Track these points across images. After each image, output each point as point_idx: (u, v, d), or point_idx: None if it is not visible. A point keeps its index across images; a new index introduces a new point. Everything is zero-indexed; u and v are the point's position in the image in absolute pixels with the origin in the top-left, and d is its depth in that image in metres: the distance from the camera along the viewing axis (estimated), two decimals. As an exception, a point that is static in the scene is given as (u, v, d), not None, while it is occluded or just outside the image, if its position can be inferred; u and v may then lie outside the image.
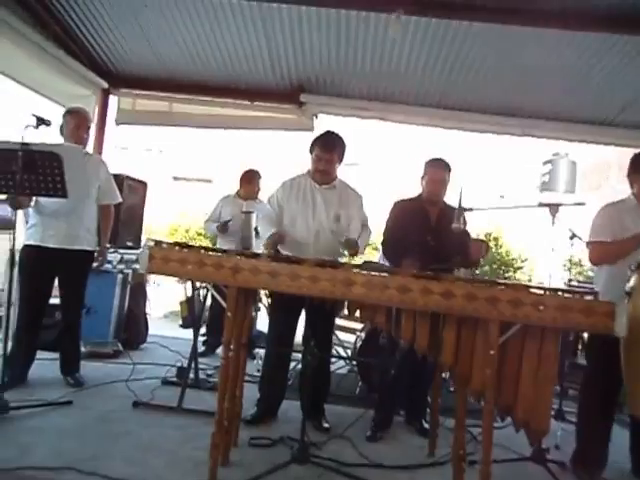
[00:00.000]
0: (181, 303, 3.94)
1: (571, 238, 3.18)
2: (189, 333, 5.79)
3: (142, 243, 4.76)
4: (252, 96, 4.94)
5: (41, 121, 2.70)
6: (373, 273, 2.03)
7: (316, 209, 2.90)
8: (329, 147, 2.88)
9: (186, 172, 20.88)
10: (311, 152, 2.96)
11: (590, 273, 9.96)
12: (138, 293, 4.52)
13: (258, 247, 4.38)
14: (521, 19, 3.51)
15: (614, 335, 1.87)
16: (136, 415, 2.83)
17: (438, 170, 3.01)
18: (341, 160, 2.97)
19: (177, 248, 2.24)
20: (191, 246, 2.29)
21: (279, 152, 13.52)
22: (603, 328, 1.87)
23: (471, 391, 2.15)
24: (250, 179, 4.61)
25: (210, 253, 2.19)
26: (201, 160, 20.33)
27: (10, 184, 2.68)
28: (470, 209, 2.43)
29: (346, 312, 2.55)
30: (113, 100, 5.08)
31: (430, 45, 3.97)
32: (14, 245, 2.74)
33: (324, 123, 5.02)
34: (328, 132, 2.96)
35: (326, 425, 2.89)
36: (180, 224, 10.35)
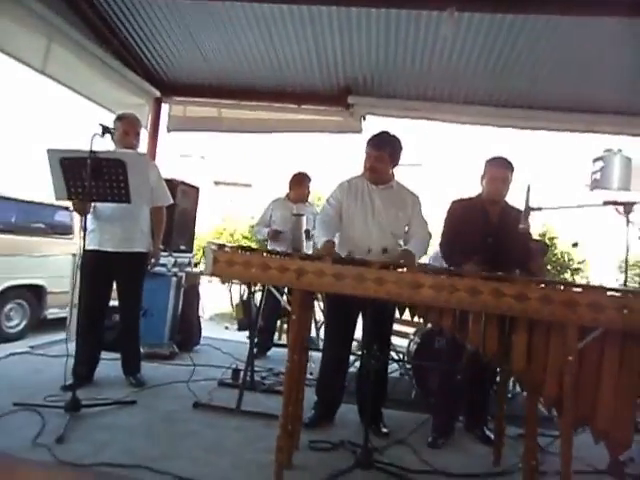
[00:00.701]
0: (237, 305, 3.99)
1: (641, 238, 3.00)
2: (239, 336, 5.91)
3: (194, 247, 4.86)
4: (299, 99, 4.97)
5: (106, 130, 2.80)
6: (441, 275, 1.98)
7: (375, 210, 2.87)
8: (378, 145, 2.85)
9: (226, 177, 21.28)
10: (365, 152, 2.94)
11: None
12: (191, 296, 4.61)
13: (308, 250, 4.40)
14: (580, 8, 3.37)
15: None
16: (197, 416, 2.88)
17: (500, 168, 2.92)
18: (394, 161, 2.92)
19: (240, 251, 2.26)
20: (254, 249, 2.31)
21: (319, 156, 13.59)
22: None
23: (544, 399, 2.06)
24: (300, 182, 4.63)
25: (274, 256, 2.19)
26: (241, 165, 20.69)
27: (79, 191, 2.80)
28: (539, 209, 2.33)
29: (408, 315, 2.49)
30: (165, 108, 5.23)
31: (483, 41, 3.87)
32: (84, 248, 2.84)
33: (372, 125, 4.99)
34: (382, 132, 2.93)
35: (385, 430, 2.85)
36: (225, 227, 10.54)
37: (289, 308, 2.25)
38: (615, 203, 2.32)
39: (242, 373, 3.27)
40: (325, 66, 4.55)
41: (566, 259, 7.75)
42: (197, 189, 4.86)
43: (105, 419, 2.65)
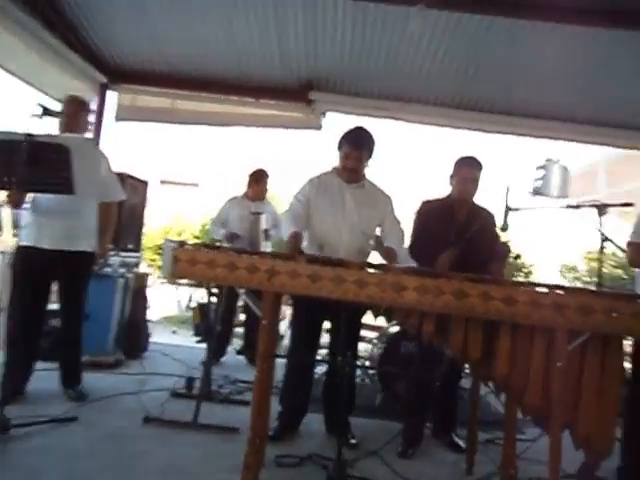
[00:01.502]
0: (194, 309, 3.70)
1: (603, 241, 3.04)
2: (188, 340, 5.58)
3: (142, 246, 4.52)
4: (258, 93, 4.76)
5: (47, 111, 2.48)
6: (426, 277, 1.86)
7: (346, 209, 2.72)
8: (359, 144, 2.71)
9: (172, 176, 20.57)
10: (339, 149, 2.78)
11: (586, 279, 10.01)
12: (139, 298, 4.27)
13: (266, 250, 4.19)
14: (545, 14, 3.39)
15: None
16: (149, 432, 2.59)
17: (471, 169, 2.86)
18: (370, 158, 2.80)
19: (204, 249, 2.04)
20: (218, 247, 2.09)
21: (271, 154, 13.31)
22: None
23: (525, 405, 1.98)
24: (258, 179, 4.43)
25: (243, 255, 1.99)
26: (187, 164, 20.06)
27: (13, 180, 2.45)
28: (517, 209, 2.27)
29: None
30: (113, 96, 4.84)
31: (449, 41, 3.84)
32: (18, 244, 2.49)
33: (332, 122, 4.88)
34: (358, 128, 2.79)
35: (353, 441, 2.70)
36: (172, 227, 10.06)
37: (257, 312, 2.06)
38: (595, 206, 2.30)
39: (199, 382, 3.01)
40: (287, 60, 4.37)
41: (518, 262, 8.02)
42: (146, 184, 4.53)
43: (39, 440, 2.30)
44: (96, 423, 2.60)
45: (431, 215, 2.93)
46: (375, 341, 3.75)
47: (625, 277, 7.99)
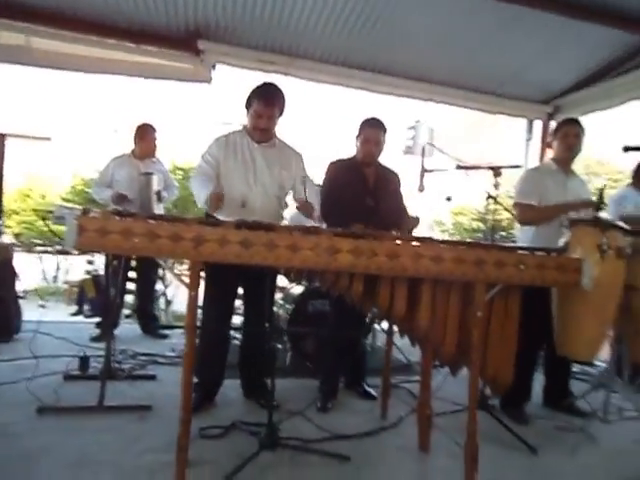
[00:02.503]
0: (85, 281, 3.28)
1: (487, 199, 3.36)
2: (63, 314, 5.04)
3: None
4: (137, 38, 4.22)
5: None
6: (360, 239, 1.87)
7: (257, 170, 2.59)
8: (272, 102, 2.56)
9: (15, 128, 17.79)
10: (248, 107, 2.61)
11: (452, 232, 11.19)
12: (4, 272, 3.68)
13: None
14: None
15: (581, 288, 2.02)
16: (47, 424, 2.29)
17: (374, 130, 2.92)
18: (281, 116, 2.69)
19: (115, 217, 1.80)
20: (133, 214, 1.86)
21: (129, 106, 12.17)
22: (574, 283, 2.01)
23: (442, 355, 2.16)
24: (143, 135, 4.02)
25: (163, 222, 1.79)
26: (34, 115, 17.50)
27: None
28: (430, 171, 2.39)
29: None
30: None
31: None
32: None
33: (221, 75, 4.58)
34: (267, 84, 2.63)
35: (274, 403, 2.70)
36: (31, 188, 8.72)
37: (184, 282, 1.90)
38: (491, 168, 2.50)
39: (93, 361, 2.73)
40: (172, 1, 3.92)
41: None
42: (3, 137, 3.83)
43: None
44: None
45: (340, 176, 2.96)
46: (281, 302, 3.75)
47: (484, 228, 9.13)
